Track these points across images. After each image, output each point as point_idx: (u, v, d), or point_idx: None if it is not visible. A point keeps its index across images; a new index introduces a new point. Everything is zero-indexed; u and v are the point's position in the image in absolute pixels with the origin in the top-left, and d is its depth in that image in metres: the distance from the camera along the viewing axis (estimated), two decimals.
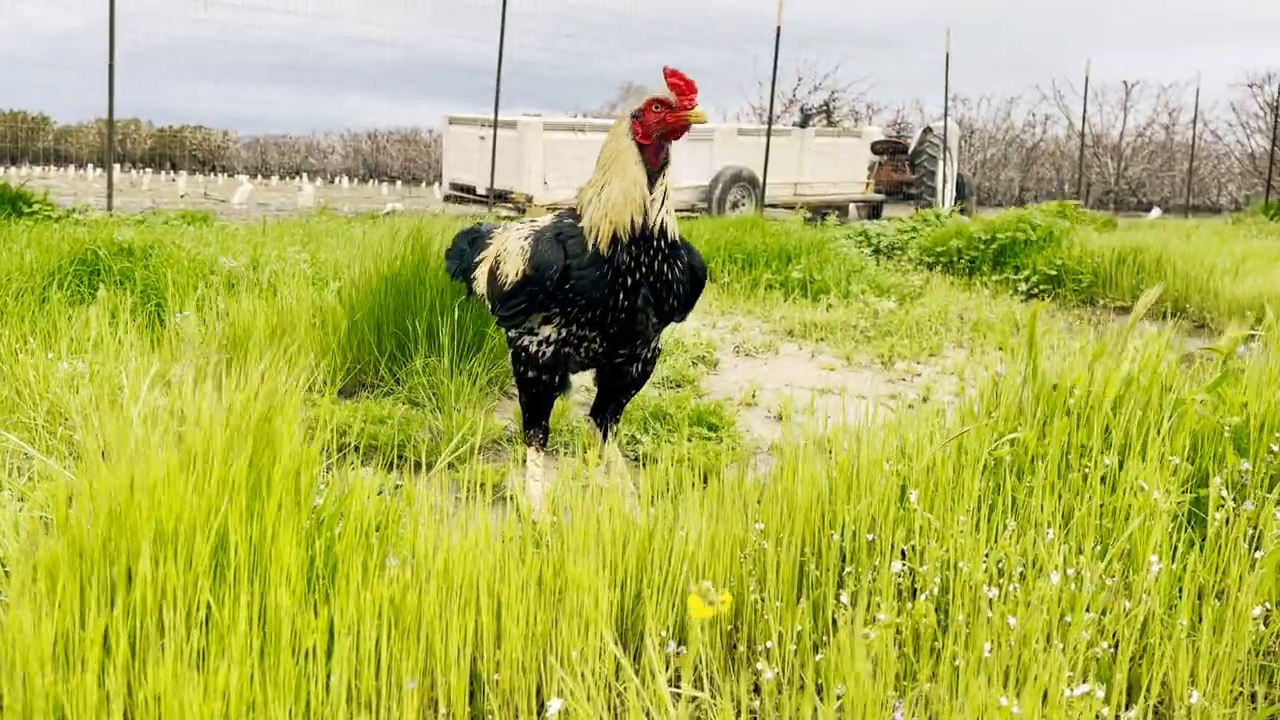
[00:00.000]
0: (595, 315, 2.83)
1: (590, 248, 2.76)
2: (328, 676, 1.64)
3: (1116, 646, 1.91)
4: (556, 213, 3.05)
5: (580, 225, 2.81)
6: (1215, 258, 8.27)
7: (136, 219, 10.41)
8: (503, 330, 3.15)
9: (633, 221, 2.71)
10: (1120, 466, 2.28)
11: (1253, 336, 2.90)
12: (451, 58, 19.75)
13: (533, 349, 3.00)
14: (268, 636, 1.54)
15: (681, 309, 2.98)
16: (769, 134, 16.37)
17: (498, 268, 3.07)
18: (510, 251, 3.00)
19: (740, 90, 42.24)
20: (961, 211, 16.02)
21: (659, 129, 2.71)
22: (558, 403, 4.30)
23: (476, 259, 3.40)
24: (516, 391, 3.18)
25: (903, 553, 2.10)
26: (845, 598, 1.85)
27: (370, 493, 1.99)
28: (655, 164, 2.74)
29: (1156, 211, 25.42)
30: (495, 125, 14.42)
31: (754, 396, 4.88)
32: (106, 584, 1.54)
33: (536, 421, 3.14)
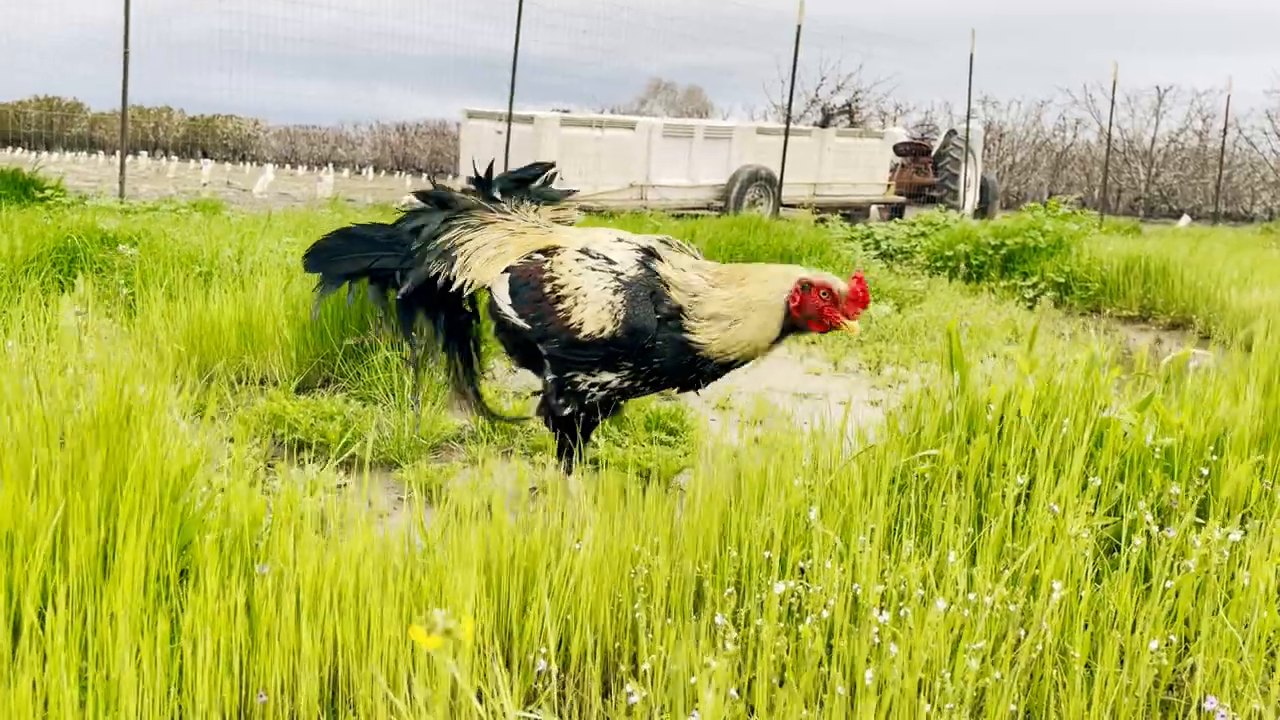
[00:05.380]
0: (664, 378, 2.82)
1: (679, 324, 2.72)
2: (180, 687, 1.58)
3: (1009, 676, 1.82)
4: (623, 243, 2.86)
5: (664, 277, 2.75)
6: (1223, 268, 8.09)
7: (147, 206, 10.42)
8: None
9: (735, 358, 2.74)
10: (1039, 485, 2.19)
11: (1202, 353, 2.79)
12: (483, 53, 19.82)
13: (583, 387, 2.85)
14: (101, 649, 1.49)
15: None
16: (786, 133, 16.23)
17: (559, 302, 2.79)
18: (589, 298, 2.75)
19: (764, 89, 42.02)
20: (979, 213, 15.79)
21: (813, 313, 2.67)
22: (521, 403, 4.25)
23: (454, 251, 2.98)
24: (550, 415, 2.94)
25: (802, 571, 2.03)
26: (723, 619, 1.78)
27: (250, 497, 1.93)
28: (785, 333, 2.73)
29: (1186, 219, 24.98)
30: (509, 119, 14.39)
31: (730, 400, 4.80)
32: None
33: (572, 450, 2.94)
